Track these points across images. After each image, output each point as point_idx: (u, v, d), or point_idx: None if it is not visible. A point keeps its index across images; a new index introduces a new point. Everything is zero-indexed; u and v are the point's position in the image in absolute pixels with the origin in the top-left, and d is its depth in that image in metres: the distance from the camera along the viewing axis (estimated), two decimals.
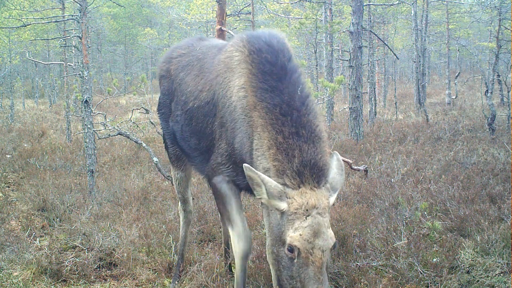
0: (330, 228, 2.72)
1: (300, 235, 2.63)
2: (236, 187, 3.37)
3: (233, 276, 3.87)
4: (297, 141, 2.81)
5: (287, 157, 2.78)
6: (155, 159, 7.79)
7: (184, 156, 4.23)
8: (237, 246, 3.29)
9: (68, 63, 14.04)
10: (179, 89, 3.97)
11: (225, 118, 3.28)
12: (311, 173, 2.75)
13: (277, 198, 2.72)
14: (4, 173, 8.70)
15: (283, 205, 2.71)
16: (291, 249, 2.65)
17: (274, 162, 2.81)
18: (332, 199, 2.82)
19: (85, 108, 7.11)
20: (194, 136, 3.75)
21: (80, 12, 7.10)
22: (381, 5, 16.48)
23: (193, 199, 4.90)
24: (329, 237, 2.67)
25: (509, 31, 11.63)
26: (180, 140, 4.06)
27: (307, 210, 2.67)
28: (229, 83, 3.29)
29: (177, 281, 4.34)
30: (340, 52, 19.05)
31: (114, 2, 9.18)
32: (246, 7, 13.98)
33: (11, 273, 4.46)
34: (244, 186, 3.26)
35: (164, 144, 4.59)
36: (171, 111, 4.18)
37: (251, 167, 2.75)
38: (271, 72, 3.04)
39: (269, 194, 2.72)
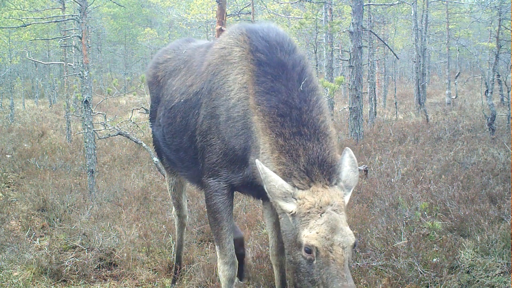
0: (348, 226, 2.57)
1: (317, 233, 2.47)
2: (231, 196, 3.26)
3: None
4: (300, 140, 2.69)
5: (291, 158, 2.66)
6: (155, 159, 7.79)
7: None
8: (223, 271, 3.30)
9: (68, 63, 14.03)
10: (165, 92, 3.87)
11: (219, 111, 3.13)
12: (320, 170, 2.62)
13: (280, 199, 2.58)
14: (4, 173, 8.70)
15: (290, 207, 2.57)
16: (309, 249, 2.49)
17: (279, 166, 2.69)
18: (347, 198, 2.67)
19: (85, 108, 7.11)
20: (177, 136, 3.59)
21: (80, 12, 7.11)
22: (381, 5, 16.47)
23: (187, 201, 4.89)
24: (348, 233, 2.51)
25: (509, 31, 11.63)
26: (163, 146, 3.92)
27: (321, 207, 2.53)
28: (227, 76, 3.13)
29: (176, 282, 4.35)
30: (340, 52, 19.05)
31: (114, 2, 9.18)
32: (246, 7, 13.97)
33: (11, 273, 4.47)
34: (238, 184, 3.18)
35: (156, 152, 4.49)
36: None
37: (261, 162, 2.62)
38: (265, 72, 2.91)
39: (270, 193, 2.59)
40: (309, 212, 2.53)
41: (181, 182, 4.36)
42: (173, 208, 4.53)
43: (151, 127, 4.42)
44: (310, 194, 2.57)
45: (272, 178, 2.59)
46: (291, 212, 2.58)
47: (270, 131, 2.77)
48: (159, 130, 3.96)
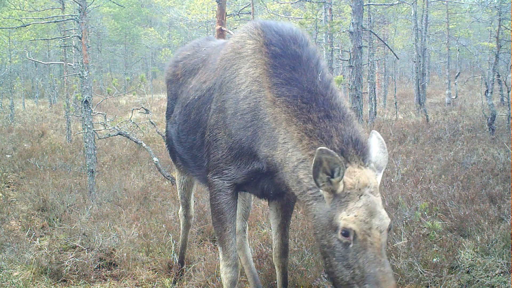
0: (384, 209, 2.54)
1: (355, 216, 2.42)
2: (235, 197, 3.23)
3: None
4: (330, 122, 2.67)
5: (324, 141, 2.62)
6: (155, 159, 7.79)
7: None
8: (225, 273, 3.28)
9: (68, 63, 14.03)
10: (184, 90, 3.86)
11: (228, 104, 3.10)
12: (355, 150, 2.58)
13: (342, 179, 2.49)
14: (4, 173, 8.70)
15: (341, 186, 2.50)
16: (346, 232, 2.44)
17: (311, 151, 2.64)
18: (379, 179, 2.64)
19: (85, 108, 7.11)
20: (191, 133, 3.56)
21: (80, 12, 7.11)
22: (381, 5, 16.47)
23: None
24: (385, 216, 2.48)
25: (509, 31, 11.63)
26: (177, 143, 3.89)
27: (359, 189, 2.48)
28: (239, 69, 3.12)
29: (177, 283, 4.35)
30: (340, 52, 19.04)
31: (114, 2, 9.18)
32: (246, 7, 13.98)
33: (11, 273, 4.47)
34: (243, 182, 3.14)
35: (169, 150, 4.36)
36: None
37: (328, 149, 2.43)
38: (282, 64, 2.90)
39: (341, 175, 2.46)
40: (348, 193, 2.48)
41: (191, 181, 4.30)
42: (180, 208, 4.47)
43: (166, 124, 4.36)
44: (348, 174, 2.51)
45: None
46: (340, 191, 2.50)
47: (297, 119, 2.74)
48: (173, 128, 3.94)
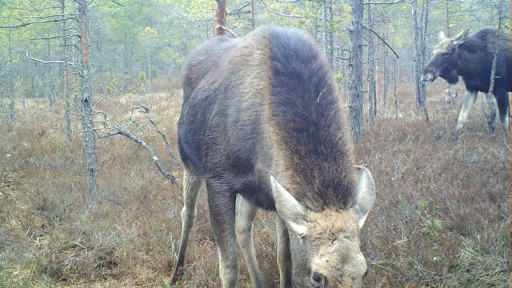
0: (361, 253, 2.49)
1: (327, 261, 2.38)
2: (233, 198, 3.24)
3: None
4: (316, 159, 2.60)
5: (305, 179, 2.58)
6: (155, 158, 7.79)
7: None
8: (224, 274, 3.30)
9: (68, 62, 14.03)
10: (194, 91, 3.86)
11: (230, 110, 3.08)
12: (335, 194, 2.53)
13: (291, 220, 2.50)
14: (4, 172, 8.70)
15: (300, 229, 2.49)
16: (317, 277, 2.41)
17: (293, 185, 2.61)
18: (362, 222, 2.59)
19: (85, 107, 7.11)
20: (197, 133, 3.55)
21: (79, 11, 7.10)
22: (381, 3, 16.46)
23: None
24: (360, 262, 2.42)
25: (509, 30, 11.61)
26: (185, 144, 3.92)
27: (333, 233, 2.44)
28: (245, 77, 3.07)
29: (176, 282, 4.35)
30: (340, 51, 19.03)
31: (114, 1, 9.18)
32: (245, 6, 13.97)
33: (11, 272, 4.47)
34: (240, 188, 3.14)
35: (179, 151, 4.34)
36: None
37: (275, 180, 2.54)
38: (282, 82, 2.81)
39: (281, 213, 2.50)
40: (320, 238, 2.45)
41: (199, 182, 4.30)
42: (184, 208, 4.45)
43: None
44: (323, 217, 2.48)
45: (284, 198, 2.50)
46: (301, 234, 2.50)
47: (286, 146, 2.68)
48: (182, 128, 3.96)
